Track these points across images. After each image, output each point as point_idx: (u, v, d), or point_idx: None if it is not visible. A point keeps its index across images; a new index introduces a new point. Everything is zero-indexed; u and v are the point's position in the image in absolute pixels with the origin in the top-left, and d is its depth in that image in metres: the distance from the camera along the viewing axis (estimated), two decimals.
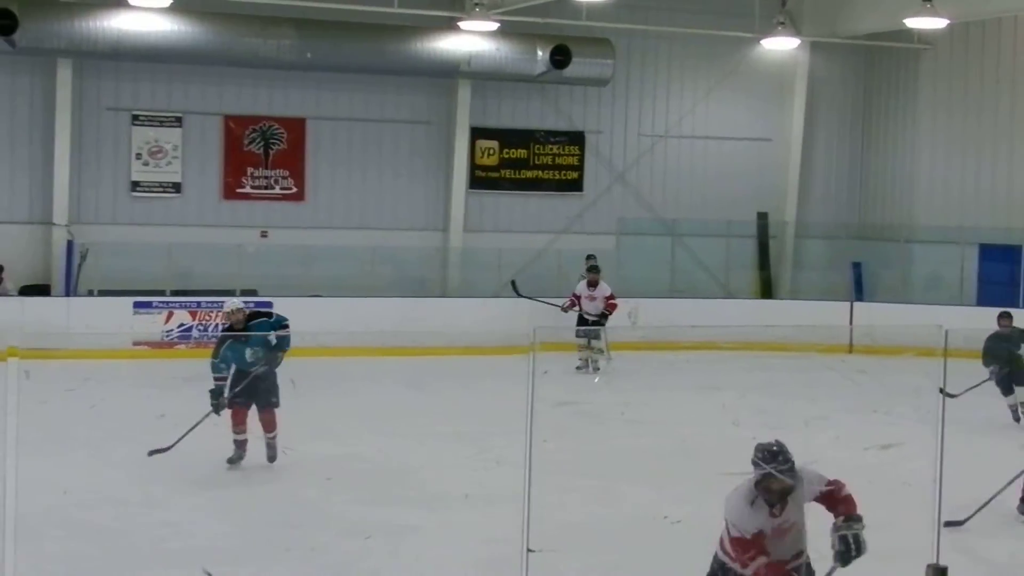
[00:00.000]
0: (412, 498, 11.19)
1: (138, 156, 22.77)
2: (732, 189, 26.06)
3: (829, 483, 6.69)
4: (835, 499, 6.67)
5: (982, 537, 10.12)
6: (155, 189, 22.90)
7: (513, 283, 18.52)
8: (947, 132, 25.68)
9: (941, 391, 12.25)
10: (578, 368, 19.22)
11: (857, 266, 25.16)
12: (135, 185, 22.78)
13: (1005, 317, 15.31)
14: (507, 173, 25.00)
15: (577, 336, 19.18)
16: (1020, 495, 10.65)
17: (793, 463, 6.57)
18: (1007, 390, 15.15)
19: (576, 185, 25.48)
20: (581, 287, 19.87)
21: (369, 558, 9.48)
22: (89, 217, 22.43)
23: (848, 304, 23.21)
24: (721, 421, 15.05)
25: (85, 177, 22.41)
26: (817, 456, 12.70)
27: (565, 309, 20.00)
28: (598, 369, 19.40)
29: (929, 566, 4.44)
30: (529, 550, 6.41)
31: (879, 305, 23.32)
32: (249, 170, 23.45)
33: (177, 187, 23.00)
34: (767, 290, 26.16)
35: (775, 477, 6.48)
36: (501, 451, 11.98)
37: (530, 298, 21.11)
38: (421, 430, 14.40)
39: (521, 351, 6.98)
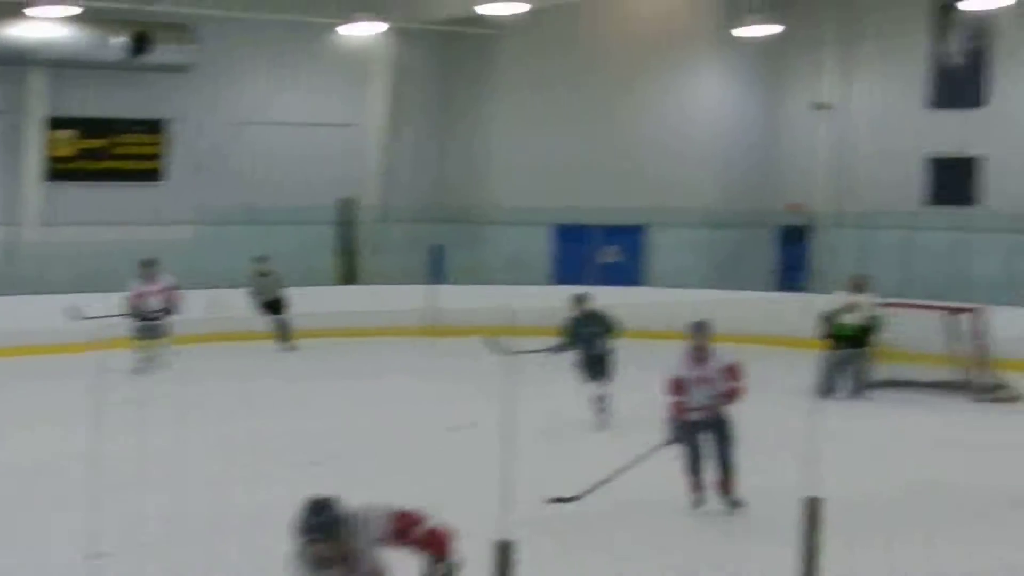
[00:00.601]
0: None
1: None
2: (315, 175, 26.64)
3: (397, 518, 5.58)
4: (411, 539, 5.60)
5: (579, 518, 10.48)
6: None
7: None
8: (521, 115, 27.16)
9: (493, 345, 13.54)
10: (136, 370, 18.16)
11: (437, 249, 26.09)
12: None
13: (579, 300, 15.34)
14: (86, 164, 24.69)
15: (137, 334, 18.79)
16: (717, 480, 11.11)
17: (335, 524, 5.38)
18: (593, 375, 14.94)
19: (159, 175, 25.36)
20: (136, 283, 19.25)
21: None
22: None
23: (429, 287, 24.00)
24: (293, 411, 15.51)
25: None
26: (395, 435, 13.48)
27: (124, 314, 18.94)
28: (166, 364, 18.62)
29: (496, 543, 4.91)
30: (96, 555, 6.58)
31: (459, 287, 24.30)
32: None
33: None
34: (350, 275, 26.79)
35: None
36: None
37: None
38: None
39: (79, 349, 7.20)
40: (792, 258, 26.43)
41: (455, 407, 15.41)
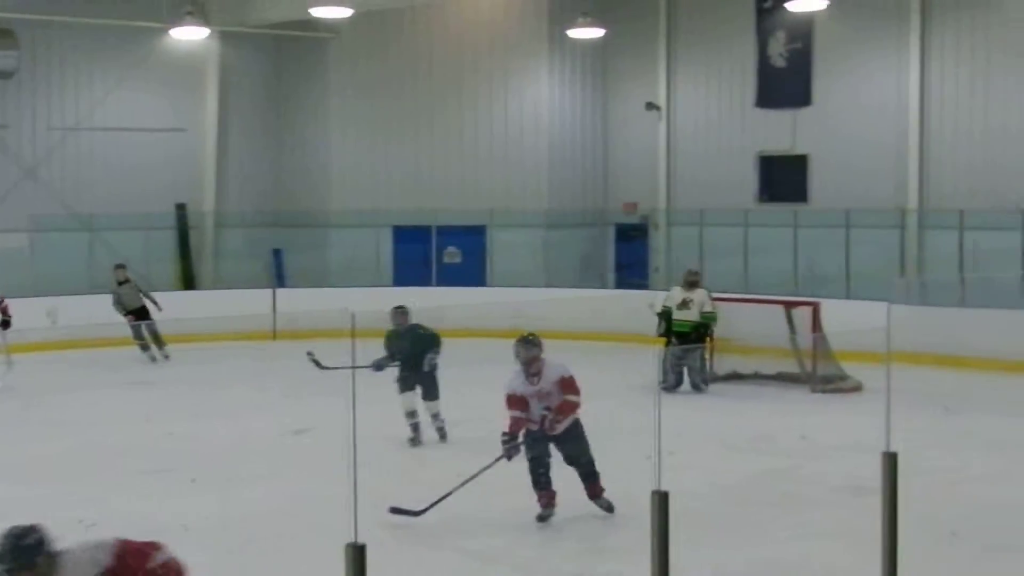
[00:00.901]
0: None
1: None
2: (149, 181, 26.38)
3: (121, 554, 5.47)
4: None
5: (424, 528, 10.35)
6: None
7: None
8: (357, 118, 27.15)
9: (312, 359, 13.41)
10: None
11: (278, 253, 25.97)
12: None
13: (399, 313, 14.21)
14: None
15: None
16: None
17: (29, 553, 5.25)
18: (404, 387, 13.92)
19: None
20: None
21: None
22: None
23: (270, 291, 23.88)
24: (136, 418, 15.35)
25: None
26: (242, 439, 13.36)
27: None
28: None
29: (347, 545, 4.96)
30: None
31: (300, 291, 24.25)
32: None
33: None
34: (189, 281, 26.49)
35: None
36: None
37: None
38: None
39: None
40: (630, 256, 26.84)
41: (297, 412, 15.33)
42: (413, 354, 13.79)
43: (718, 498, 11.35)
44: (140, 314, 20.95)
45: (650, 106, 26.39)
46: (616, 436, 12.59)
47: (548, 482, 10.48)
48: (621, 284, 25.96)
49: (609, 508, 10.59)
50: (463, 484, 10.37)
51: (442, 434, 13.94)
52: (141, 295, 21.05)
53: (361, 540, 5.07)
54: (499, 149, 26.77)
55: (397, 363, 13.92)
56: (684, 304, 17.74)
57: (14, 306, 18.60)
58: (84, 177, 25.90)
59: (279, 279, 25.31)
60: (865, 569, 7.32)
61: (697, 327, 17.65)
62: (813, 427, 14.74)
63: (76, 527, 10.41)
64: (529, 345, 10.52)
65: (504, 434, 10.40)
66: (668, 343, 17.69)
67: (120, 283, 20.88)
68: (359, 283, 24.67)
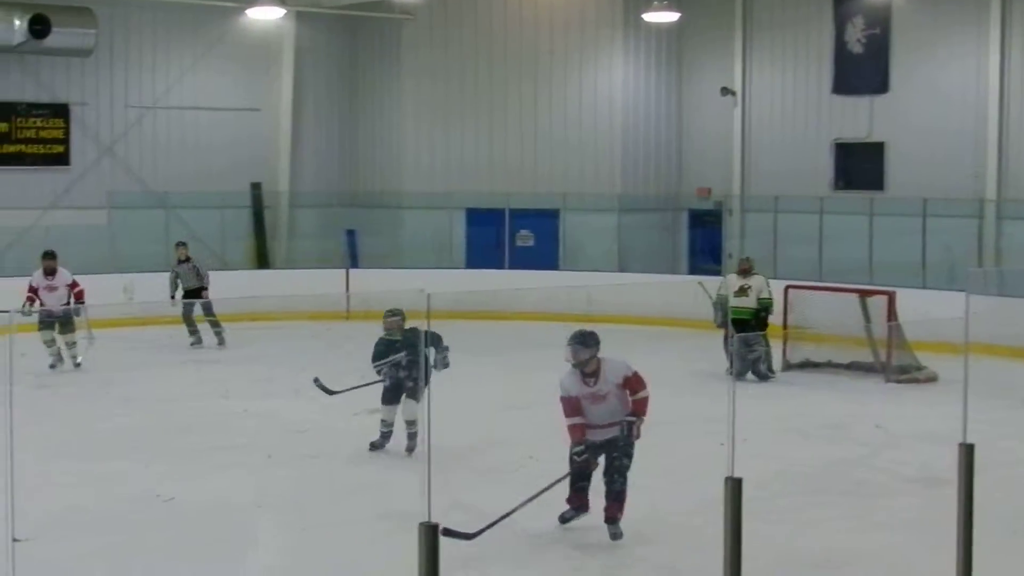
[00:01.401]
0: None
1: None
2: (224, 160, 26.65)
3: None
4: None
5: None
6: None
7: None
8: (431, 100, 27.25)
9: (318, 385, 12.78)
10: (51, 367, 17.61)
11: (351, 234, 26.12)
12: None
13: (392, 315, 12.71)
14: None
15: (41, 329, 17.73)
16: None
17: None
18: (388, 399, 12.67)
19: (62, 159, 25.18)
20: (37, 277, 18.23)
21: None
22: None
23: (343, 271, 24.04)
24: (211, 394, 15.55)
25: None
26: (315, 418, 13.46)
27: (26, 312, 17.57)
28: (77, 361, 17.81)
29: (421, 524, 5.02)
30: (15, 539, 6.52)
31: (372, 271, 24.33)
32: None
33: None
34: (262, 260, 26.71)
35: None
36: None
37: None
38: None
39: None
40: (703, 242, 26.76)
41: (370, 392, 15.39)
42: (409, 363, 12.35)
43: (790, 486, 11.34)
44: (195, 295, 20.54)
45: (725, 91, 26.27)
46: (687, 423, 12.63)
47: (586, 488, 9.72)
48: (694, 270, 25.88)
49: (618, 536, 9.60)
50: (524, 504, 9.33)
51: (411, 446, 12.37)
52: (199, 276, 20.65)
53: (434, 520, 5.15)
54: (572, 132, 26.75)
55: (385, 369, 12.46)
56: (742, 291, 17.58)
57: (91, 282, 18.91)
58: (160, 155, 26.25)
59: (352, 259, 25.45)
60: (937, 560, 7.31)
61: (756, 313, 17.51)
62: (887, 417, 14.68)
63: (153, 501, 10.66)
64: (583, 346, 9.48)
65: (574, 445, 9.51)
66: (728, 332, 17.61)
67: (180, 261, 20.69)
68: (432, 265, 24.79)
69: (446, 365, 12.35)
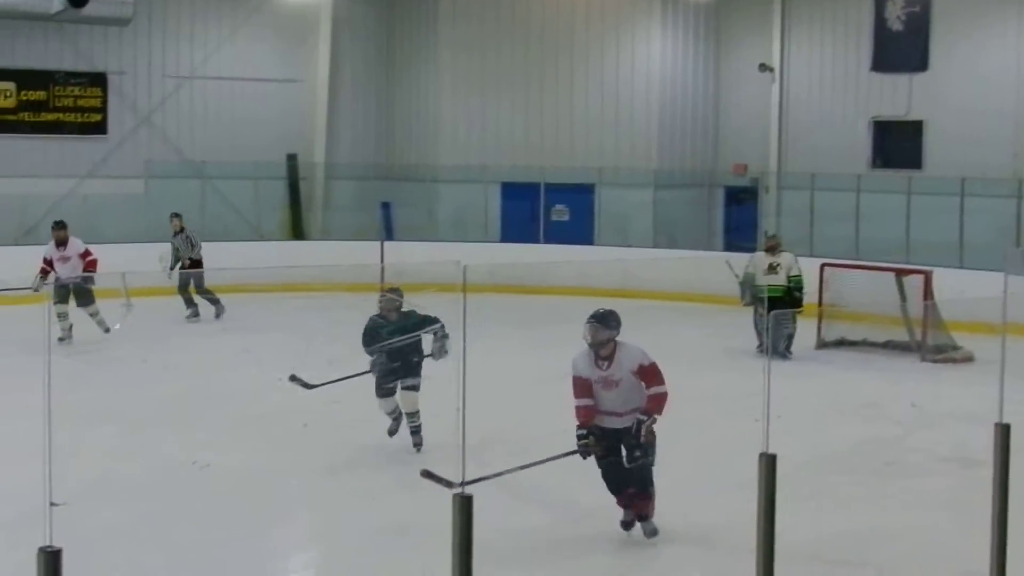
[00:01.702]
0: None
1: None
2: (260, 130, 26.72)
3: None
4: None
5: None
6: None
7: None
8: (467, 73, 27.21)
9: (296, 381, 12.28)
10: (60, 339, 17.06)
11: (387, 206, 26.16)
12: None
13: (388, 293, 11.95)
14: (26, 116, 24.54)
15: (56, 302, 17.32)
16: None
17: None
18: (384, 392, 11.73)
19: (100, 128, 25.35)
20: (50, 248, 17.86)
21: None
22: None
23: (378, 243, 24.07)
24: (246, 363, 15.64)
25: None
26: (351, 387, 13.53)
27: (36, 288, 17.18)
28: (106, 327, 17.50)
29: (455, 496, 5.09)
30: (52, 504, 6.59)
31: (408, 244, 24.32)
32: None
33: None
34: (298, 231, 26.80)
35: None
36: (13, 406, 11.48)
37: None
38: None
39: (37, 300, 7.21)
40: (739, 218, 26.70)
41: None
42: (401, 350, 11.43)
43: (824, 464, 11.35)
44: (196, 264, 20.15)
45: (763, 67, 26.18)
46: (721, 400, 12.64)
47: (623, 484, 9.04)
48: (729, 247, 25.82)
49: (653, 532, 9.14)
50: (521, 468, 8.82)
51: (417, 442, 11.55)
52: (192, 246, 20.22)
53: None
54: (609, 107, 26.71)
55: (383, 356, 11.52)
56: (771, 269, 17.45)
57: (127, 251, 19.02)
58: (197, 125, 26.38)
59: (387, 232, 25.49)
60: (971, 540, 7.32)
61: (788, 291, 17.40)
62: (923, 396, 14.65)
63: (190, 468, 10.77)
64: (603, 326, 8.86)
65: (578, 428, 8.90)
66: (756, 310, 17.54)
67: (176, 233, 20.31)
68: (467, 238, 24.81)
69: (445, 353, 11.39)
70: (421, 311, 11.75)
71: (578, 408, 8.87)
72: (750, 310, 17.74)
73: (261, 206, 26.35)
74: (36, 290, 17.03)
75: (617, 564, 9.02)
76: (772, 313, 16.99)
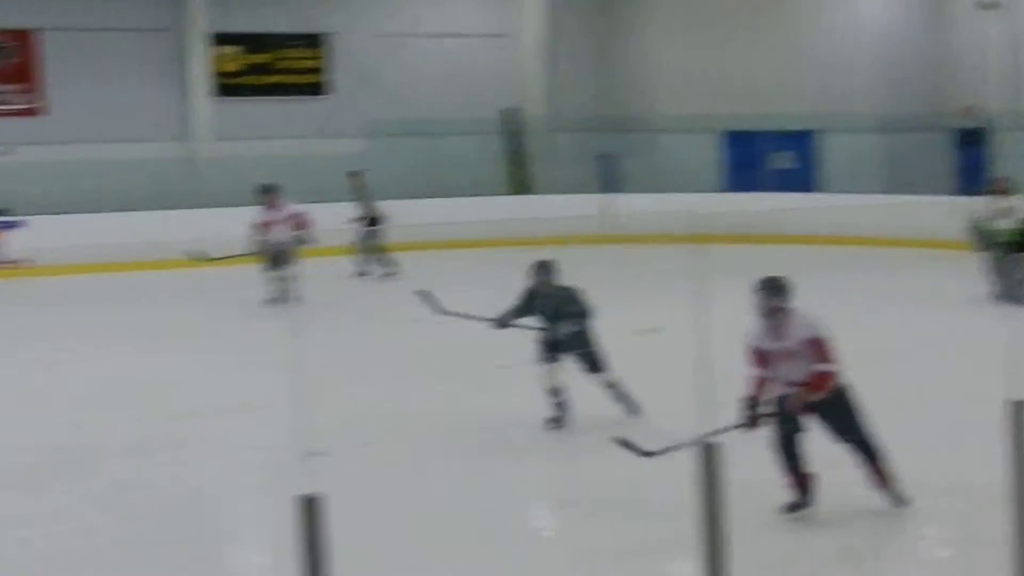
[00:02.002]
0: (185, 411, 11.52)
1: None
2: (474, 87, 26.98)
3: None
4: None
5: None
6: None
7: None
8: (684, 21, 27.13)
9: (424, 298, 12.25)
10: (271, 300, 17.48)
11: (607, 158, 26.21)
12: None
13: (543, 271, 11.19)
14: (252, 79, 25.28)
15: (267, 270, 17.60)
16: None
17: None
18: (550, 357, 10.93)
19: (321, 88, 25.89)
20: (259, 211, 18.01)
21: (148, 473, 9.76)
22: None
23: (599, 196, 24.20)
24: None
25: None
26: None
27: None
28: (296, 295, 17.52)
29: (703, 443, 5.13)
30: (310, 454, 6.84)
31: (629, 196, 24.35)
32: None
33: None
34: (520, 186, 27.08)
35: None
36: (266, 358, 11.90)
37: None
38: (187, 343, 14.98)
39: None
40: (969, 161, 26.01)
41: (641, 313, 15.42)
42: (559, 316, 10.84)
43: None
44: (374, 222, 20.39)
45: (985, 5, 25.37)
46: (953, 347, 12.42)
47: (798, 462, 8.26)
48: (959, 192, 25.23)
49: (899, 501, 8.33)
50: (697, 442, 7.32)
51: (629, 404, 10.85)
52: (371, 206, 20.38)
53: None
54: (829, 51, 26.23)
55: (535, 324, 11.01)
56: (1004, 212, 17.09)
57: (347, 212, 19.64)
58: (411, 83, 26.69)
59: (609, 184, 25.52)
60: None
61: (1018, 235, 16.91)
62: None
63: (444, 413, 11.18)
64: (769, 292, 8.23)
65: (746, 398, 8.25)
66: (992, 255, 17.10)
67: (357, 191, 20.48)
68: (689, 189, 24.69)
69: (578, 335, 10.79)
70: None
71: (748, 379, 8.28)
72: (980, 255, 17.37)
73: (480, 161, 26.55)
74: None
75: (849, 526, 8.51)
76: (1009, 257, 16.62)
